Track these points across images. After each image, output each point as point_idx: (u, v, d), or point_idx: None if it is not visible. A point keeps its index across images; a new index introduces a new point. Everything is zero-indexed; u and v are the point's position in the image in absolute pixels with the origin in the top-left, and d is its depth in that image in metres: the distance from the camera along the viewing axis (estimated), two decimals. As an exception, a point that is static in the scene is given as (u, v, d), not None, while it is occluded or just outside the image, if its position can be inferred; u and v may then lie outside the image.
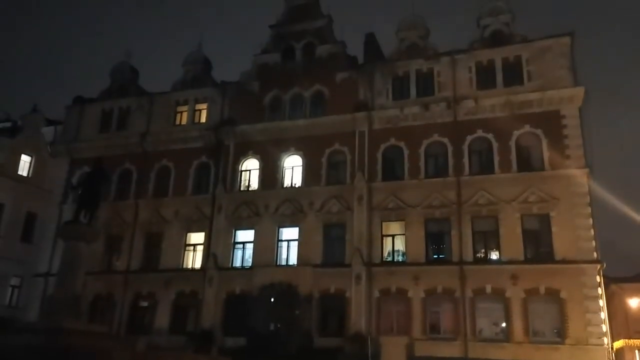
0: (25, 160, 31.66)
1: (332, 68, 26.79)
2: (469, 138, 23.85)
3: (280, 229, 25.38)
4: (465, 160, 23.67)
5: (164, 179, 28.11)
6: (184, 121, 29.21)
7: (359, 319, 22.45)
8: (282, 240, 25.30)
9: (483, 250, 22.64)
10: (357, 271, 23.07)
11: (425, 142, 24.42)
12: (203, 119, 28.82)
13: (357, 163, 24.96)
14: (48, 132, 34.28)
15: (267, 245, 25.01)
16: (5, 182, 29.86)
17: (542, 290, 20.94)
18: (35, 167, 31.99)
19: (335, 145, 25.62)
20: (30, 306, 27.07)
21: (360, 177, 24.58)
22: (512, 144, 23.15)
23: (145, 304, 26.13)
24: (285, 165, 26.42)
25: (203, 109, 29.03)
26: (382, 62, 26.74)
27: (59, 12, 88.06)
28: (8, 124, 36.19)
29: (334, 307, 23.28)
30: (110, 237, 27.09)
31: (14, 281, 29.94)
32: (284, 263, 24.93)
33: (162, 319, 25.29)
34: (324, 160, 25.65)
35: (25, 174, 31.56)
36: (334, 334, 22.43)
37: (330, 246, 24.36)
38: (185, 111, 29.29)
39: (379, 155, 25.00)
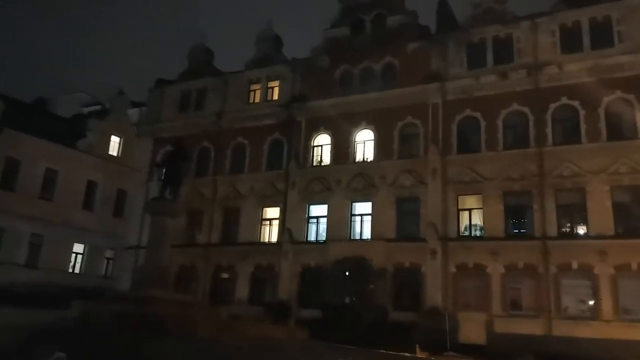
0: (114, 141, 33.73)
1: (403, 39, 26.09)
2: (552, 106, 22.48)
3: (353, 204, 25.44)
4: (549, 129, 22.38)
5: (240, 156, 28.94)
6: (257, 99, 29.76)
7: (434, 294, 22.22)
8: (355, 215, 25.37)
9: (568, 225, 21.49)
10: (432, 246, 22.73)
11: (503, 112, 23.32)
12: (275, 96, 29.22)
13: (431, 136, 24.35)
14: (133, 113, 36.26)
15: (340, 220, 25.20)
16: (97, 161, 32.04)
17: (634, 266, 19.63)
18: (124, 147, 34.00)
19: (408, 118, 25.10)
20: (122, 276, 29.15)
21: (434, 150, 24.00)
22: (602, 111, 21.55)
23: (225, 275, 27.31)
24: (356, 139, 26.29)
25: (275, 86, 29.40)
26: (456, 30, 25.66)
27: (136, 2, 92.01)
28: (97, 108, 38.66)
29: (408, 282, 23.16)
30: (192, 212, 28.36)
31: (108, 253, 32.28)
32: (357, 237, 25.04)
33: (242, 290, 26.36)
34: (395, 133, 25.25)
35: (115, 153, 33.66)
36: (409, 309, 22.34)
37: (404, 220, 24.12)
38: (258, 89, 29.80)
39: (454, 127, 24.21)
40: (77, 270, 30.73)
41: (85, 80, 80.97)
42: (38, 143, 28.94)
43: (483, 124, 23.59)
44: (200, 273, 27.54)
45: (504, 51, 24.06)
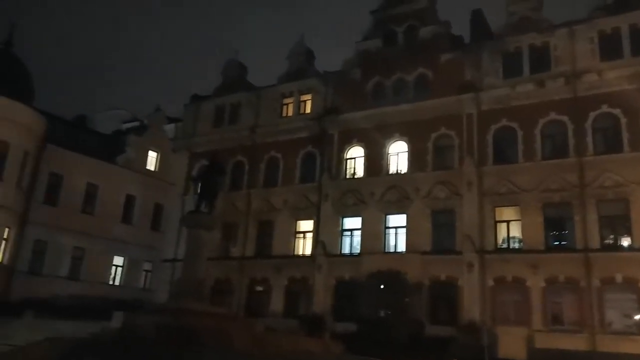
0: (152, 155, 34.57)
1: (435, 50, 25.95)
2: (592, 115, 21.88)
3: (387, 216, 25.26)
4: (589, 139, 21.77)
5: (273, 169, 29.20)
6: (290, 112, 30.04)
7: (472, 308, 21.74)
8: (389, 227, 25.16)
9: (612, 237, 20.77)
10: (468, 259, 22.31)
11: (541, 122, 22.84)
12: (308, 110, 29.42)
13: (466, 147, 24.03)
14: (169, 129, 37.13)
15: (374, 233, 25.04)
16: (136, 176, 32.87)
17: (682, 280, 18.78)
18: (161, 161, 34.80)
19: (442, 129, 24.85)
20: (160, 289, 29.67)
21: (469, 162, 23.65)
22: (645, 118, 20.85)
23: (260, 288, 27.45)
24: (390, 151, 26.17)
25: (307, 99, 29.63)
26: (491, 39, 25.36)
27: (169, 15, 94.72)
28: (136, 124, 39.78)
29: (445, 295, 22.75)
30: (226, 225, 28.69)
31: (147, 266, 32.93)
32: (392, 250, 24.80)
33: (276, 303, 26.42)
34: (429, 145, 25.02)
35: (152, 168, 34.48)
36: (446, 323, 21.91)
37: (439, 233, 23.78)
38: (291, 103, 30.09)
39: (489, 138, 23.84)
40: (117, 283, 31.45)
41: (124, 97, 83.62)
42: (79, 159, 29.93)
43: (520, 134, 23.14)
44: (235, 286, 27.76)
45: (541, 59, 23.62)
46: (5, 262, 25.25)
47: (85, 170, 30.23)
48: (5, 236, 25.13)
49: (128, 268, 31.94)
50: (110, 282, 31.06)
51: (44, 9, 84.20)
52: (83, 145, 31.03)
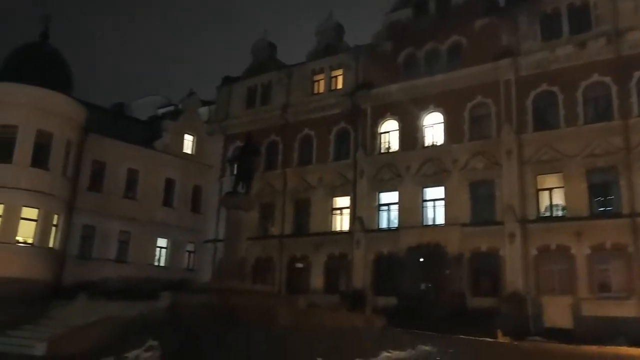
0: (188, 139, 35.11)
1: (469, 16, 25.14)
2: (637, 75, 20.89)
3: (424, 189, 25.00)
4: (634, 100, 20.83)
5: (307, 148, 29.24)
6: (321, 89, 29.86)
7: (515, 278, 21.44)
8: (426, 201, 24.92)
9: (660, 200, 19.98)
10: (510, 229, 21.92)
11: (583, 84, 21.97)
12: (339, 86, 29.17)
13: (504, 115, 23.40)
14: (204, 112, 37.56)
15: (412, 206, 24.86)
16: (174, 160, 33.52)
17: None
18: (197, 145, 35.32)
19: (478, 97, 24.24)
20: (203, 268, 30.51)
21: (508, 130, 23.04)
22: (694, 76, 19.77)
23: (300, 265, 27.80)
24: (425, 123, 25.75)
25: (338, 75, 29.35)
26: (527, 2, 24.35)
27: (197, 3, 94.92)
28: (171, 108, 40.39)
29: (486, 267, 22.50)
30: (264, 205, 29.04)
31: (189, 247, 33.76)
32: (430, 223, 24.61)
33: (316, 279, 26.73)
34: (466, 115, 24.48)
35: (189, 151, 35.04)
36: (488, 294, 21.72)
37: (479, 204, 23.42)
38: (322, 79, 29.88)
39: (529, 104, 23.12)
40: (162, 264, 32.39)
41: (158, 83, 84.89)
42: (120, 145, 30.69)
43: (561, 98, 22.35)
44: (276, 264, 28.20)
45: (581, 20, 22.61)
46: (56, 247, 26.36)
47: (126, 156, 31.01)
48: (55, 223, 26.18)
49: (172, 250, 32.82)
50: (156, 264, 32.01)
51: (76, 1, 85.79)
52: (122, 132, 31.75)
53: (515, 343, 17.32)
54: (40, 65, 26.61)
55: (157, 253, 32.37)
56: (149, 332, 10.00)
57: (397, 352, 11.72)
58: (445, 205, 24.09)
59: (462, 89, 24.39)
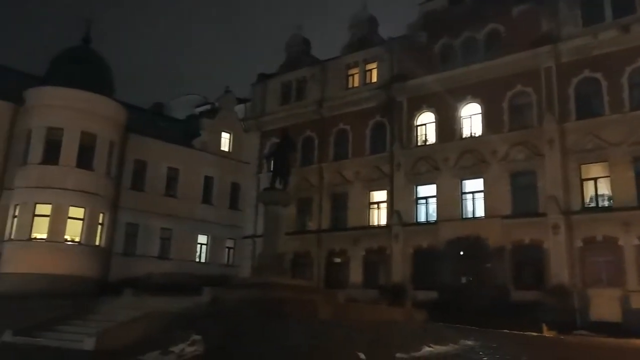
0: (225, 137, 35.62)
1: (506, 2, 24.49)
2: (687, 57, 19.93)
3: (463, 182, 24.59)
4: (684, 83, 19.90)
5: (343, 142, 29.20)
6: (355, 83, 29.74)
7: (560, 270, 20.86)
8: (465, 193, 24.51)
9: None
10: (553, 220, 21.32)
11: (627, 70, 21.11)
12: (374, 79, 28.98)
13: (545, 103, 22.74)
14: (239, 109, 38.00)
15: (450, 199, 24.49)
16: (211, 158, 34.08)
17: None
18: (234, 142, 35.78)
19: (517, 86, 23.62)
20: (243, 264, 30.96)
21: (550, 119, 22.37)
22: None
23: (338, 260, 27.84)
24: (462, 114, 25.29)
25: (373, 68, 29.15)
26: (567, -15, 23.53)
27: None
28: (208, 107, 41.04)
29: (529, 259, 21.98)
30: (301, 200, 29.15)
31: (229, 243, 34.31)
32: (470, 216, 24.18)
33: (355, 273, 26.71)
34: (505, 104, 23.90)
35: (226, 149, 35.55)
36: (532, 287, 21.19)
37: (520, 195, 22.86)
38: (357, 73, 29.74)
39: (571, 92, 22.38)
40: (202, 260, 33.04)
41: (195, 82, 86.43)
42: (160, 145, 31.40)
43: (605, 84, 21.54)
44: (314, 258, 28.33)
45: (624, 2, 21.70)
46: (102, 245, 27.26)
47: (166, 155, 31.70)
48: (100, 221, 27.06)
49: (212, 246, 33.42)
50: (197, 260, 32.66)
51: (114, 2, 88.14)
52: (162, 132, 32.51)
53: (562, 337, 16.87)
54: (83, 69, 27.47)
55: (198, 249, 33.02)
56: (192, 326, 10.24)
57: (439, 347, 11.61)
58: (485, 197, 23.63)
59: (500, 77, 23.83)
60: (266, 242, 16.10)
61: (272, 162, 17.71)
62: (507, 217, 22.58)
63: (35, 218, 25.03)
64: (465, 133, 25.13)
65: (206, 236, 33.23)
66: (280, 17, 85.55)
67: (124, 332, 10.47)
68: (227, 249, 34.27)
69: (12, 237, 24.94)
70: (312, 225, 29.32)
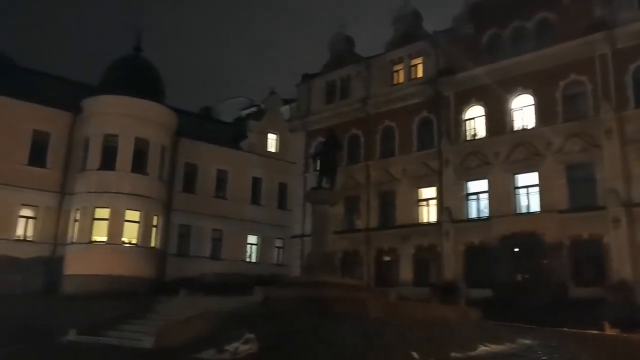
0: (271, 138, 36.11)
1: (557, -11, 23.57)
2: None
3: (516, 176, 23.85)
4: None
5: (389, 139, 28.94)
6: (400, 79, 29.41)
7: (622, 266, 19.90)
8: (519, 187, 23.77)
9: None
10: (614, 214, 20.37)
11: (691, 52, 19.88)
12: (419, 74, 28.58)
13: (601, 92, 21.74)
14: (285, 110, 38.39)
15: (503, 194, 23.81)
16: (259, 159, 34.62)
17: None
18: (280, 143, 36.21)
19: (571, 75, 22.68)
20: (292, 263, 31.25)
21: (607, 108, 21.37)
22: None
23: (388, 258, 27.62)
24: (513, 107, 24.52)
25: (418, 63, 28.74)
26: (622, -34, 22.40)
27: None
28: (254, 109, 41.70)
29: (589, 255, 21.07)
30: (348, 199, 29.06)
31: (278, 243, 34.76)
32: (524, 211, 23.43)
33: (405, 271, 26.42)
34: (558, 95, 23.00)
35: (273, 150, 36.02)
36: (592, 284, 20.31)
37: (577, 189, 21.95)
38: (401, 69, 29.41)
39: (628, 79, 21.32)
40: (253, 260, 33.62)
41: (241, 85, 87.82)
42: (209, 148, 32.19)
43: (666, 69, 20.36)
44: (363, 257, 28.23)
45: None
46: (157, 246, 28.18)
47: (215, 157, 32.45)
48: (155, 223, 27.99)
49: (261, 246, 33.93)
50: (247, 260, 33.25)
51: (161, 10, 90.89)
52: (210, 135, 33.30)
53: (625, 335, 16.07)
54: (135, 77, 28.50)
55: (248, 249, 33.62)
56: (245, 325, 10.41)
57: (495, 346, 11.32)
58: (540, 192, 22.84)
59: (553, 67, 22.96)
60: (315, 241, 16.14)
61: (319, 161, 17.74)
62: (563, 211, 21.73)
63: (95, 222, 26.14)
64: (517, 126, 24.36)
65: (256, 236, 33.79)
66: (323, 17, 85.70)
67: (180, 331, 10.76)
68: (276, 249, 34.71)
69: (74, 240, 26.15)
70: (360, 223, 29.23)
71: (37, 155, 26.76)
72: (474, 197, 25.23)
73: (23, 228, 26.26)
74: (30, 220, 26.45)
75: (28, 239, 26.23)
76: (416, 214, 27.14)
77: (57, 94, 27.70)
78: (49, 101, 27.06)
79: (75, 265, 25.33)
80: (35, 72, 29.40)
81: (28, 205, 26.26)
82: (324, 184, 16.81)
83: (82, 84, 30.14)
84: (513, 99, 24.43)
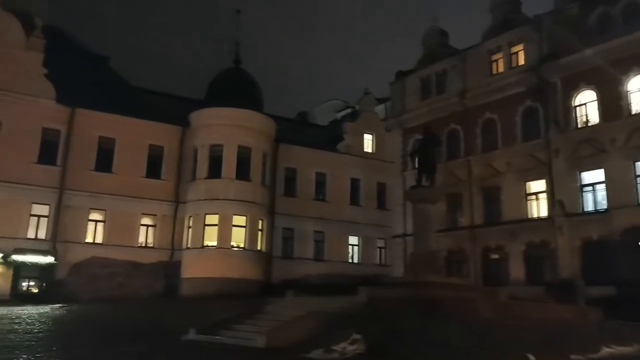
0: (367, 138, 36.14)
1: (677, -47, 21.22)
2: None
3: (636, 163, 21.77)
4: None
5: (491, 132, 27.73)
6: (500, 69, 28.07)
7: None
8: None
9: None
10: None
11: None
12: (521, 62, 27.08)
13: None
14: (380, 110, 38.24)
15: (622, 184, 21.84)
16: (356, 160, 34.80)
17: None
18: (376, 142, 36.12)
19: (697, 48, 20.27)
20: (395, 263, 31.02)
21: None
22: None
23: (495, 256, 26.45)
24: (629, 88, 22.43)
25: (519, 50, 27.25)
26: None
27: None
28: (349, 110, 42.02)
29: None
30: (450, 196, 28.21)
31: (379, 243, 34.66)
32: (647, 201, 21.31)
33: (516, 270, 25.12)
34: (684, 70, 20.66)
35: (369, 150, 36.02)
36: None
37: None
38: (500, 58, 28.07)
39: None
40: (355, 260, 33.83)
41: (335, 88, 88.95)
42: (307, 151, 32.97)
43: None
44: (469, 255, 27.28)
45: None
46: (263, 249, 29.39)
47: (313, 161, 33.16)
48: (260, 227, 29.23)
49: (363, 246, 34.03)
50: (349, 261, 33.52)
51: (257, 22, 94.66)
52: (308, 139, 34.11)
53: None
54: (236, 89, 30.04)
55: (350, 250, 33.88)
56: (352, 325, 10.51)
57: (620, 348, 10.43)
58: (667, 179, 20.64)
59: (675, 40, 20.68)
60: (417, 240, 15.90)
61: (417, 159, 17.46)
62: (697, 200, 19.45)
63: (206, 227, 27.85)
64: (635, 109, 22.23)
65: (357, 237, 33.97)
66: (414, 13, 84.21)
67: (289, 331, 11.13)
68: (378, 249, 34.62)
69: (189, 245, 28.07)
70: (463, 221, 28.29)
71: (153, 167, 29.06)
72: (589, 188, 23.39)
73: (144, 235, 28.62)
74: (150, 228, 28.76)
75: (149, 245, 28.53)
76: (524, 208, 25.71)
77: (167, 109, 29.95)
78: (161, 117, 29.32)
79: (191, 269, 27.17)
80: (145, 90, 31.95)
81: (148, 214, 28.56)
82: (424, 182, 16.52)
83: (190, 99, 32.25)
84: (629, 80, 22.35)
